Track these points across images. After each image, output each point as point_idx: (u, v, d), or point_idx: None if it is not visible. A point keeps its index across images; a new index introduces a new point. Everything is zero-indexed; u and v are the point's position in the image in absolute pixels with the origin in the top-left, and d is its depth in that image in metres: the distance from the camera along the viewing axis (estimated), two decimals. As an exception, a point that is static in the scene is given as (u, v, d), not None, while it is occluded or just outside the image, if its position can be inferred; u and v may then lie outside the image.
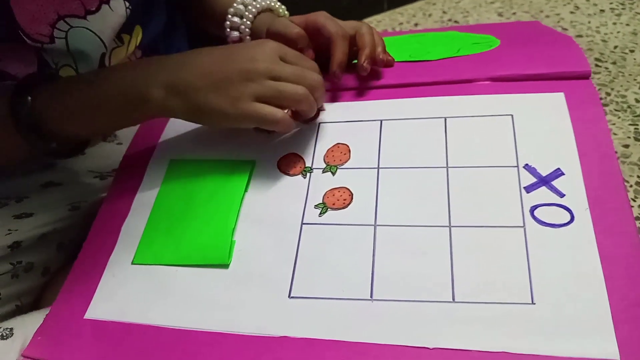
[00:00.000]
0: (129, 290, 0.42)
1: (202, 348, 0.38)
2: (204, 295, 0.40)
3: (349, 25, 0.52)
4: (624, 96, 0.87)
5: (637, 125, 0.82)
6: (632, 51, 0.97)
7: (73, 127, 0.45)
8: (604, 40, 1.01)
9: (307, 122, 0.50)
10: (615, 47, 0.99)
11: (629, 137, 0.80)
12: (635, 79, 0.90)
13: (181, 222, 0.44)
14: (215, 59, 0.44)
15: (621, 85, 0.89)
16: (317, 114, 0.50)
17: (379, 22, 1.25)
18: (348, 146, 0.47)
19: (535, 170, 0.42)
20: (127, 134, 0.54)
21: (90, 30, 0.47)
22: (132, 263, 0.43)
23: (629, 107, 0.85)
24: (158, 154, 0.50)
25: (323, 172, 0.46)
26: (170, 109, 0.43)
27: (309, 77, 0.45)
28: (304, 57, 0.47)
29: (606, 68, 0.94)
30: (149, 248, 0.44)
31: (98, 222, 0.47)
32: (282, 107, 0.44)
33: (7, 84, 0.48)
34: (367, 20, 1.27)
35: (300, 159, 0.47)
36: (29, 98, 0.43)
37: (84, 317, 0.41)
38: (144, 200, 0.47)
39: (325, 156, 0.47)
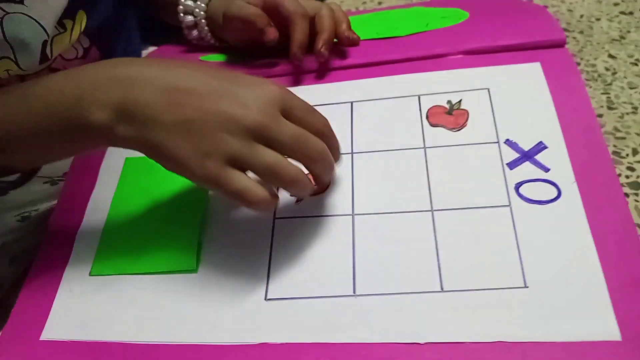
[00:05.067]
0: (89, 306, 0.38)
1: (174, 363, 0.34)
2: (171, 304, 0.37)
3: (309, 5, 0.49)
4: (593, 65, 0.87)
5: (609, 94, 0.81)
6: (598, 19, 0.97)
7: None
8: (569, 10, 1.01)
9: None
10: (582, 16, 0.98)
11: (602, 107, 0.80)
12: (603, 47, 0.90)
13: (141, 226, 0.41)
14: (193, 88, 0.32)
15: (590, 54, 0.88)
16: (323, 190, 0.41)
17: (342, 1, 1.23)
18: None
19: (517, 145, 0.40)
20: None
21: (29, 16, 0.43)
22: (90, 275, 0.40)
23: (599, 75, 0.84)
24: (112, 151, 0.47)
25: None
26: (119, 139, 0.33)
27: (312, 147, 0.34)
28: (313, 112, 0.36)
29: (574, 38, 0.93)
30: (108, 257, 0.40)
31: (49, 232, 0.43)
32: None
33: None
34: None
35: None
36: None
37: (40, 339, 0.37)
38: (99, 205, 0.44)
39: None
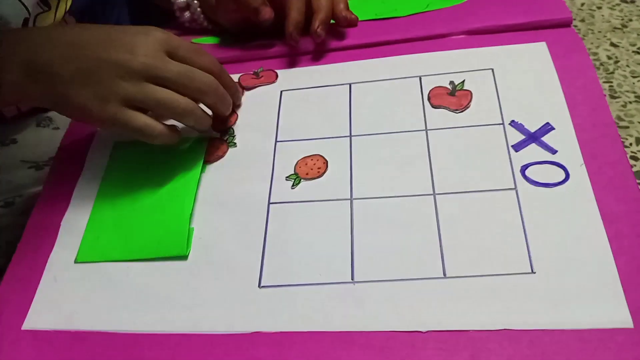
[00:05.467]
0: (74, 294, 0.36)
1: (163, 353, 0.33)
2: (161, 292, 0.35)
3: None
4: (595, 54, 0.85)
5: (612, 82, 0.80)
6: (599, 8, 0.95)
7: None
8: (570, -1, 0.99)
9: (217, 130, 0.43)
10: (583, 4, 0.97)
11: (605, 95, 0.78)
12: (605, 36, 0.88)
13: (130, 212, 0.39)
14: (86, 41, 0.36)
15: (592, 43, 0.87)
16: (227, 123, 0.43)
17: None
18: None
19: (523, 126, 0.38)
20: (64, 118, 0.48)
21: None
22: (76, 262, 0.38)
23: (601, 64, 0.83)
24: (100, 136, 0.45)
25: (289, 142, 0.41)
26: (29, 95, 0.37)
27: (198, 80, 0.37)
28: (199, 51, 0.39)
29: (575, 26, 0.92)
30: (94, 243, 0.38)
31: (34, 218, 0.41)
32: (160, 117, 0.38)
33: None
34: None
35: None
36: None
37: (22, 328, 0.35)
38: (86, 189, 0.42)
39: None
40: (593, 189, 0.34)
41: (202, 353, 0.32)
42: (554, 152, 0.37)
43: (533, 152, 0.37)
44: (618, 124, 0.75)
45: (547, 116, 0.38)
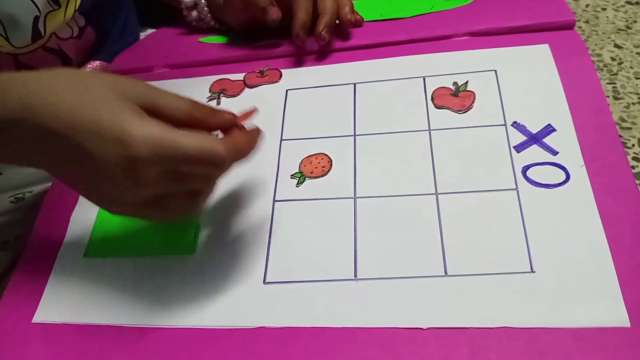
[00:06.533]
0: (82, 288, 0.37)
1: (169, 346, 0.34)
2: (167, 287, 0.36)
3: None
4: (599, 55, 0.85)
5: (615, 83, 0.80)
6: (604, 9, 0.95)
7: None
8: (575, 0, 0.99)
9: None
10: (587, 5, 0.97)
11: (608, 97, 0.78)
12: (609, 37, 0.88)
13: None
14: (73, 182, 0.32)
15: (596, 44, 0.87)
16: None
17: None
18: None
19: (525, 127, 0.39)
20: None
21: None
22: (84, 257, 0.39)
23: (605, 65, 0.83)
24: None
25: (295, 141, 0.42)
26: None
27: (171, 209, 0.32)
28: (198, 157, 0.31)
29: (579, 27, 0.92)
30: (103, 239, 0.39)
31: (44, 213, 0.42)
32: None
33: None
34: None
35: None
36: None
37: (32, 321, 0.36)
38: (95, 186, 0.42)
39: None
40: (593, 190, 0.35)
41: (207, 347, 0.33)
42: (555, 153, 0.37)
43: (534, 153, 0.37)
44: (621, 125, 0.75)
45: (549, 118, 0.39)
